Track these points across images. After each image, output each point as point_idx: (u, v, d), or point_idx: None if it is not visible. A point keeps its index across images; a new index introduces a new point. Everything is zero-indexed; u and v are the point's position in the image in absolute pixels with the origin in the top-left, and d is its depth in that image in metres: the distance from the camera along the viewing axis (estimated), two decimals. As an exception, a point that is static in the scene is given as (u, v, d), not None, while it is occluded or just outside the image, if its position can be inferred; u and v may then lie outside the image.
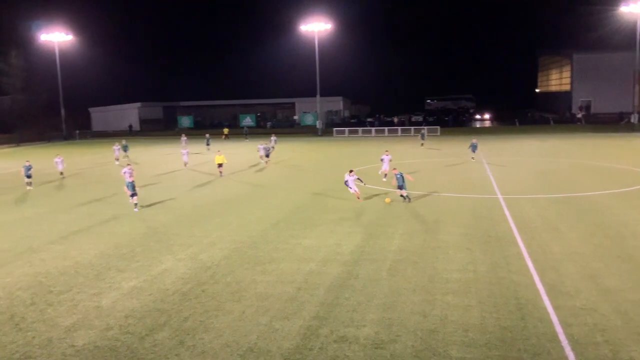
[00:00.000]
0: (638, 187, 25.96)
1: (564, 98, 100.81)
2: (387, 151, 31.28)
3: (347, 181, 23.93)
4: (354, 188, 23.82)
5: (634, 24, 63.62)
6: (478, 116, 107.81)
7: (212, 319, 11.58)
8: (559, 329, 10.66)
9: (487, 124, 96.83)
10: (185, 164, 39.85)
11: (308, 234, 18.47)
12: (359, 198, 23.90)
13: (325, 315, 11.61)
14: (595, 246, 16.13)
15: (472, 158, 38.98)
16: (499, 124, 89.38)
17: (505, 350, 9.91)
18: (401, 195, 23.50)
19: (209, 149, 52.69)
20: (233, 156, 44.63)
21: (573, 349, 9.85)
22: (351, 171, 24.34)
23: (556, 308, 11.62)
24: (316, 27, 74.34)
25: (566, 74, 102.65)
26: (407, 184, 23.69)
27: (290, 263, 15.25)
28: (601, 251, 15.65)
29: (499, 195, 24.62)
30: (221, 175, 33.55)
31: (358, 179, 24.30)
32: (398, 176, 23.57)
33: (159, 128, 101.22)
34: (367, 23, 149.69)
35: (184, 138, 52.29)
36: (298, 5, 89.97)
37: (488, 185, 27.43)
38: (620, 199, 23.47)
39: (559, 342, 10.14)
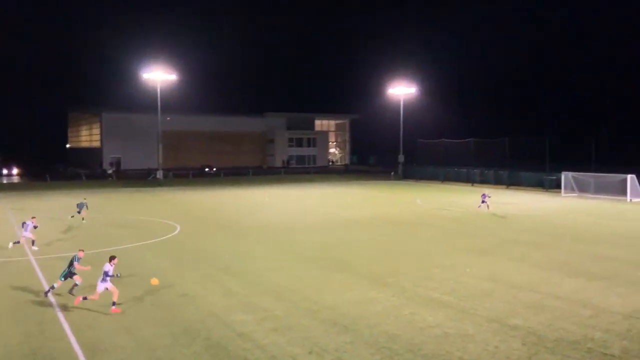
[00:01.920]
0: (166, 237, 28.71)
1: (95, 154, 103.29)
2: None
3: None
4: None
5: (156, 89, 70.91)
6: (5, 171, 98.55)
7: None
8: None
9: (16, 179, 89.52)
10: None
11: None
12: None
13: None
14: (128, 299, 16.88)
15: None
16: (30, 180, 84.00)
17: None
18: None
19: None
20: None
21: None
22: None
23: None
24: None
25: (96, 130, 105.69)
26: None
27: None
28: (134, 303, 16.51)
29: (31, 257, 23.02)
30: None
31: None
32: None
33: None
34: None
35: None
36: None
37: (18, 248, 25.18)
38: (152, 249, 25.46)
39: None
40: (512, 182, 61.57)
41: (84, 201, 33.74)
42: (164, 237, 28.61)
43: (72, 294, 16.63)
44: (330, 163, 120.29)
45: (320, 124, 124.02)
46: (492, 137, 69.73)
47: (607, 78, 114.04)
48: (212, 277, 20.07)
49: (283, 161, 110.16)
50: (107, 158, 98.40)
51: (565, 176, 53.30)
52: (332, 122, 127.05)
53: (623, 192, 47.76)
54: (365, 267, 21.44)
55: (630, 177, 47.71)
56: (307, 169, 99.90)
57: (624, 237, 28.45)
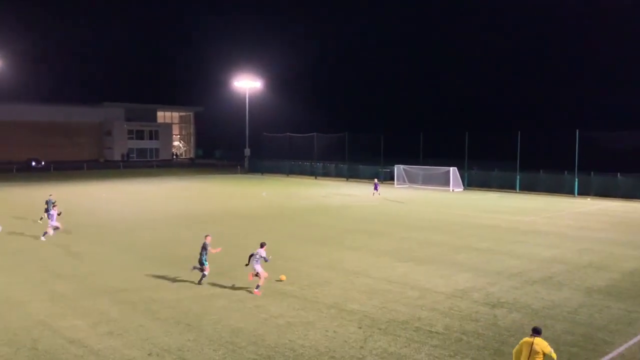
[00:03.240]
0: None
1: None
2: None
3: None
4: None
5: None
6: None
7: None
8: None
9: None
10: None
11: None
12: None
13: None
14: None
15: None
16: None
17: None
18: None
19: None
20: None
21: None
22: None
23: None
24: None
25: None
26: None
27: None
28: (-56, 314, 14.57)
29: None
30: None
31: None
32: None
33: None
34: None
35: None
36: None
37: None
38: (-36, 254, 22.59)
39: None
40: (352, 175, 64.92)
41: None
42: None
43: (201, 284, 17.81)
44: (175, 157, 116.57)
45: (163, 115, 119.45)
46: (334, 132, 72.76)
47: (429, 78, 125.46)
48: (38, 281, 18.40)
49: (122, 154, 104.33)
50: None
51: (397, 169, 57.52)
52: (176, 114, 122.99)
53: (447, 183, 52.84)
54: (210, 263, 21.13)
55: (452, 170, 52.90)
56: (149, 162, 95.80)
57: (447, 224, 31.46)
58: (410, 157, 61.01)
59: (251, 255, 17.05)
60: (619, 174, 46.62)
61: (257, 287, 17.08)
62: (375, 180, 48.89)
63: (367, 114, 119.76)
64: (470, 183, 54.51)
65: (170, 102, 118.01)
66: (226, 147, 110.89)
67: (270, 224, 30.97)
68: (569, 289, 17.87)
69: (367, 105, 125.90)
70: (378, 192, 45.32)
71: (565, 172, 49.57)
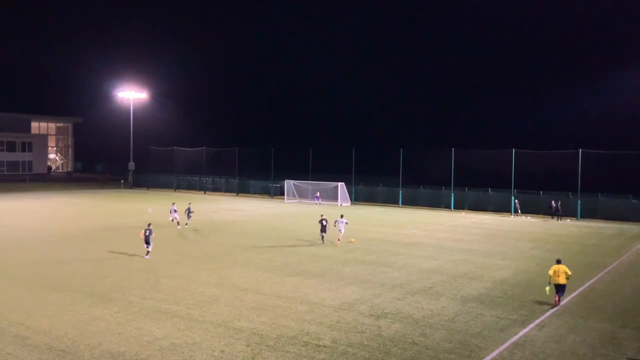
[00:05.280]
0: None
1: None
2: None
3: None
4: None
5: None
6: None
7: None
8: None
9: None
10: None
11: None
12: None
13: None
14: None
15: None
16: None
17: None
18: None
19: None
20: None
21: None
22: None
23: None
24: None
25: None
26: None
27: None
28: None
29: None
30: None
31: None
32: None
33: None
34: None
35: None
36: None
37: None
38: None
39: None
40: (242, 190, 64.41)
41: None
42: None
43: None
44: (51, 170, 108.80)
45: (38, 126, 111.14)
46: (223, 146, 71.92)
47: (321, 94, 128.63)
48: None
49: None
50: None
51: (287, 184, 57.97)
52: (53, 125, 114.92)
53: (335, 198, 54.09)
54: (87, 284, 19.90)
55: (340, 185, 54.31)
56: (22, 176, 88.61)
57: (335, 238, 32.12)
58: (300, 172, 61.79)
59: (332, 222, 29.26)
60: (489, 190, 50.45)
61: (338, 240, 28.94)
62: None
63: (257, 128, 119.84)
64: (356, 198, 56.23)
65: (47, 112, 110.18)
66: (108, 160, 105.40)
67: (156, 241, 29.77)
68: (446, 298, 18.94)
69: (257, 120, 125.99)
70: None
71: (443, 188, 52.76)
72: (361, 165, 58.36)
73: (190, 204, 37.21)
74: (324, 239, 29.44)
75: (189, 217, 35.92)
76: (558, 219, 43.57)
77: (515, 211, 46.48)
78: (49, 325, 15.11)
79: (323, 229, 29.28)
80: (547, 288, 18.20)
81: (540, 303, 18.32)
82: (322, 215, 30.03)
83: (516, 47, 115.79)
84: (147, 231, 24.91)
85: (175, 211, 35.48)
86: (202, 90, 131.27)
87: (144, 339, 14.27)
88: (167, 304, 17.47)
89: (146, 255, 24.85)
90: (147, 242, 24.85)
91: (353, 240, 28.85)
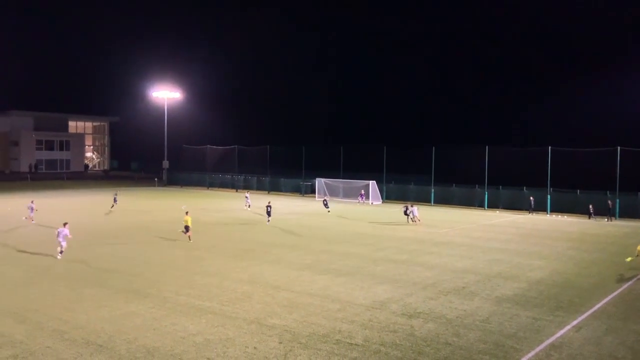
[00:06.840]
0: None
1: None
2: None
3: None
4: None
5: None
6: None
7: None
8: None
9: None
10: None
11: None
12: None
13: None
14: None
15: None
16: None
17: None
18: None
19: None
20: None
21: None
22: None
23: None
24: None
25: None
26: None
27: None
28: None
29: None
30: None
31: None
32: None
33: None
34: None
35: None
36: None
37: None
38: None
39: None
40: (273, 188, 64.77)
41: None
42: None
43: None
44: (88, 168, 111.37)
45: (75, 125, 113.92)
46: (255, 144, 72.38)
47: (351, 93, 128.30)
48: None
49: (30, 165, 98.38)
50: None
51: (318, 182, 58.03)
52: (89, 124, 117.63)
53: (366, 196, 53.94)
54: (124, 280, 20.30)
55: (371, 183, 54.12)
56: (60, 174, 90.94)
57: (365, 236, 32.05)
58: (331, 171, 61.77)
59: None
60: (524, 188, 49.50)
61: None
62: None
63: (288, 127, 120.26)
64: (388, 196, 55.93)
65: (83, 112, 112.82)
66: (143, 159, 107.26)
67: (185, 238, 30.18)
68: (480, 298, 18.67)
69: (288, 119, 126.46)
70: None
71: (477, 186, 52.00)
72: (392, 163, 57.98)
73: (269, 202, 38.98)
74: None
75: (269, 214, 37.40)
76: (608, 219, 42.35)
77: (589, 214, 43.09)
78: (86, 320, 15.47)
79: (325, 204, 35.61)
80: (630, 258, 20.95)
81: (578, 304, 17.90)
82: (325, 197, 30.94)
83: (550, 42, 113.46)
84: (269, 207, 36.61)
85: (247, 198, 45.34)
86: (234, 90, 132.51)
87: (178, 334, 14.47)
88: (201, 300, 17.69)
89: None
90: (268, 214, 36.54)
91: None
